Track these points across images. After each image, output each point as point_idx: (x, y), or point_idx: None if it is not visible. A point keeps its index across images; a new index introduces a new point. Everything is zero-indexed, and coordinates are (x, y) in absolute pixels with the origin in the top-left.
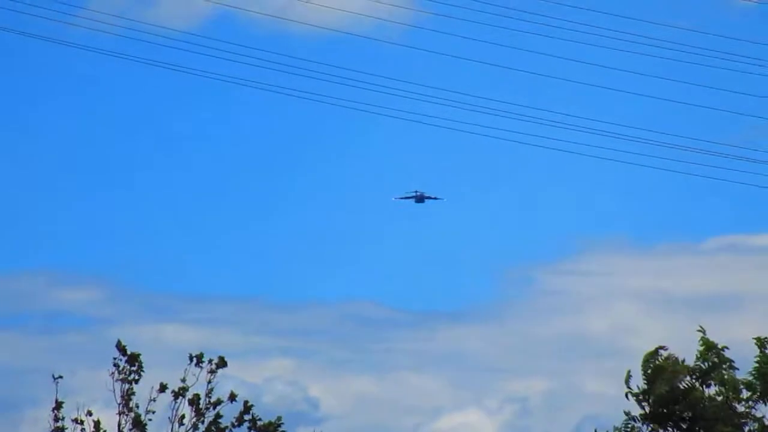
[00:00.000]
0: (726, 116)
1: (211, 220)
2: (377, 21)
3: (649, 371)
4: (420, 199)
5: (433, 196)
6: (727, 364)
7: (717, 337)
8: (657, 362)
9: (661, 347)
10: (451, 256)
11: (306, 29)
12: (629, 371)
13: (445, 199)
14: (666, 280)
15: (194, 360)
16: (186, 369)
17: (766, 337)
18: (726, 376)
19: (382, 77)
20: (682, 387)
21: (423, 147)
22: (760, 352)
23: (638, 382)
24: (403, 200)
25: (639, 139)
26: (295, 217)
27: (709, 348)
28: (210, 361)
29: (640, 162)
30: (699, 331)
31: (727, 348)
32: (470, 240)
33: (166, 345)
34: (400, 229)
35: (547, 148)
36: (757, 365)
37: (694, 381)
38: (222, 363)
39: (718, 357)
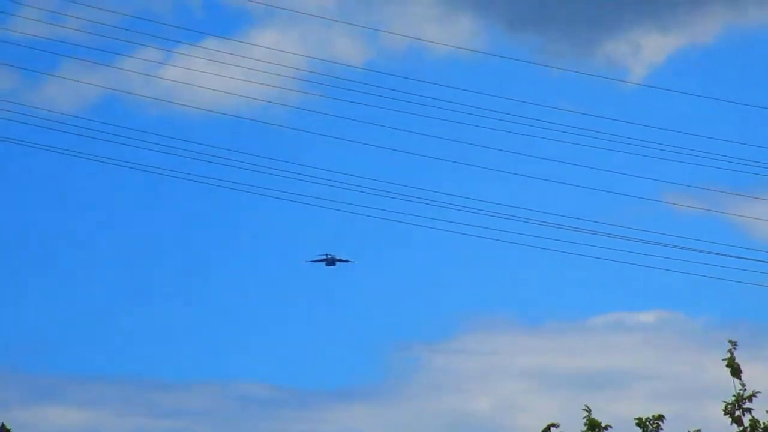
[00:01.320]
0: (607, 196)
1: (94, 299)
2: (265, 103)
3: None
4: (331, 262)
5: (344, 259)
6: None
7: (602, 415)
8: None
9: (553, 424)
10: (335, 334)
11: (194, 112)
12: None
13: (356, 262)
14: (552, 359)
15: None
16: None
17: (647, 418)
18: None
19: (268, 158)
20: None
21: (311, 228)
22: None
23: None
24: (314, 263)
25: (525, 219)
26: (180, 295)
27: (594, 427)
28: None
29: (525, 242)
30: (585, 410)
31: (610, 426)
32: (354, 318)
33: (50, 428)
34: (285, 308)
35: (432, 228)
36: None
37: None
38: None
39: None
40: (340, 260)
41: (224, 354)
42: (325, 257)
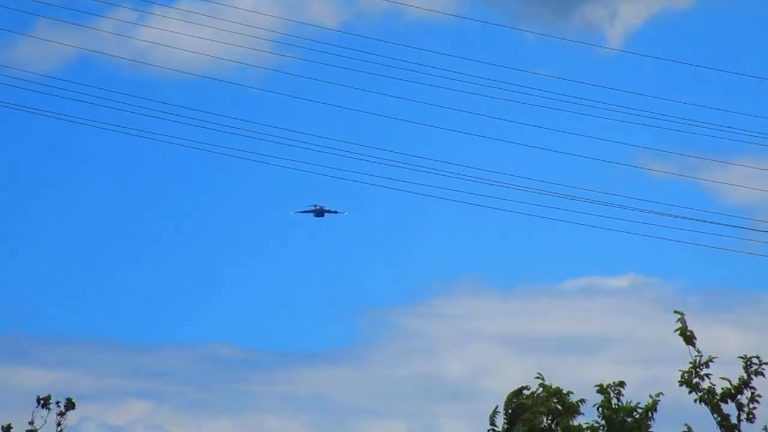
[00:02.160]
0: (580, 161)
1: (64, 260)
2: (238, 65)
3: (510, 411)
4: (320, 213)
5: (333, 210)
6: (571, 408)
7: (572, 380)
8: (520, 401)
9: (525, 387)
10: (308, 297)
11: (168, 73)
12: (496, 407)
13: (345, 213)
14: (524, 323)
15: (41, 402)
16: (33, 412)
17: (608, 384)
18: (569, 423)
19: (243, 120)
20: (541, 428)
21: (283, 190)
22: (604, 398)
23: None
24: (302, 214)
25: (496, 183)
26: (152, 258)
27: (554, 393)
28: (58, 403)
29: (498, 205)
30: (537, 377)
31: (572, 393)
32: (327, 281)
33: (17, 389)
34: (256, 270)
35: (405, 191)
36: (600, 412)
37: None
38: (70, 405)
39: (562, 403)
40: (328, 211)
41: (195, 316)
42: (313, 208)
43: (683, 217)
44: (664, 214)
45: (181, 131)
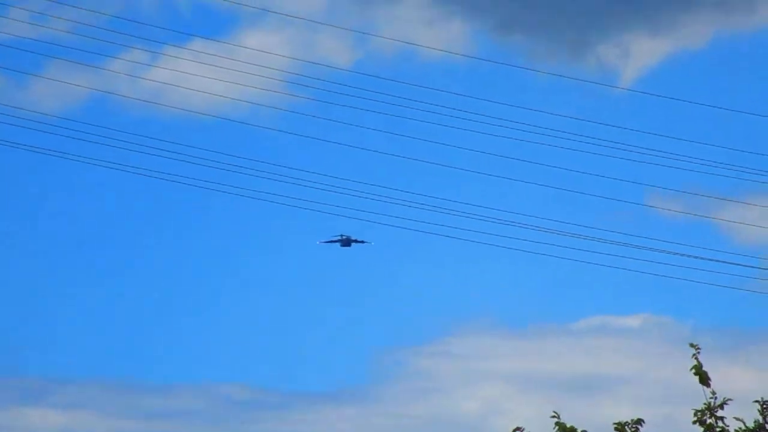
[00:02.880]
0: (593, 200)
1: (74, 298)
2: (252, 105)
3: None
4: (346, 242)
5: (360, 240)
6: None
7: (586, 420)
8: None
9: (518, 428)
10: (318, 336)
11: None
12: None
13: (372, 243)
14: (536, 362)
15: None
16: None
17: (626, 422)
18: None
19: (256, 160)
20: None
21: (297, 230)
22: None
23: None
24: (329, 243)
25: (511, 222)
26: (162, 298)
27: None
28: None
29: (512, 245)
30: (553, 416)
31: (585, 431)
32: (338, 320)
33: (31, 430)
34: (267, 309)
35: (418, 231)
36: None
37: None
38: None
39: None
40: (355, 241)
41: (207, 355)
42: (340, 237)
43: (696, 257)
44: (677, 253)
45: (194, 171)
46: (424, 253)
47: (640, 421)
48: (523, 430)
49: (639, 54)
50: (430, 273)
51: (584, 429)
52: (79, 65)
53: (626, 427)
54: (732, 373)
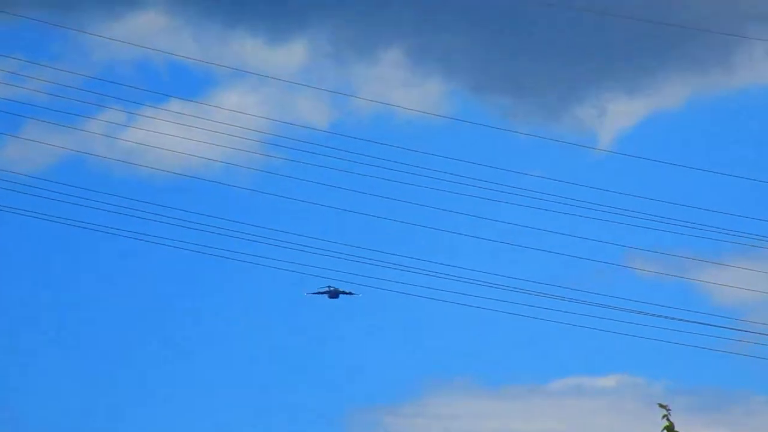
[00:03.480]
0: (570, 261)
1: (35, 364)
2: (229, 165)
3: None
4: (334, 294)
5: (347, 292)
6: None
7: None
8: None
9: None
10: (291, 397)
11: (157, 173)
12: None
13: (360, 295)
14: (514, 422)
15: None
16: None
17: None
18: None
19: (231, 221)
20: None
21: (271, 290)
22: None
23: None
24: (316, 295)
25: (487, 284)
26: (131, 356)
27: None
28: None
29: (489, 306)
30: None
31: None
32: (311, 380)
33: None
34: (237, 369)
35: (392, 291)
36: None
37: None
38: None
39: None
40: (343, 292)
41: (177, 417)
42: (327, 289)
43: (672, 318)
44: (652, 314)
45: (170, 232)
46: (401, 312)
47: None
48: None
49: (616, 114)
50: (406, 333)
51: None
52: (56, 125)
53: None
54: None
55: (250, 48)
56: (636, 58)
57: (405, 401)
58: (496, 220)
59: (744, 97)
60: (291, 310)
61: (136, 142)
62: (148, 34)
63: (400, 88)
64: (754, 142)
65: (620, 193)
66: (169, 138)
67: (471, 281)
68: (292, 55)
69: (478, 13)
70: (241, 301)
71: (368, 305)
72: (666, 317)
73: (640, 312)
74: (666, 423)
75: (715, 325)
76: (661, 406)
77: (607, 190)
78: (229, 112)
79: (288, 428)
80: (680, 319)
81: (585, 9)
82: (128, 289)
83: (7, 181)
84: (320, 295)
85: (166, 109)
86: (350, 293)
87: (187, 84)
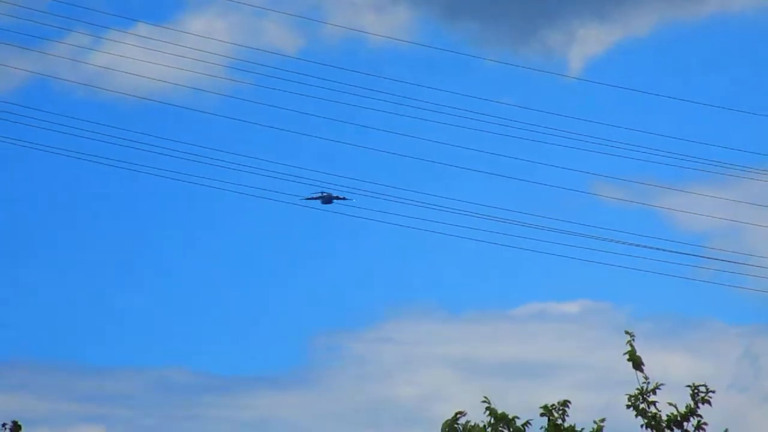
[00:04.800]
0: (534, 187)
1: (6, 278)
2: (195, 90)
3: None
4: (327, 200)
5: (341, 197)
6: None
7: (526, 402)
8: (455, 427)
9: (460, 412)
10: (258, 321)
11: (122, 97)
12: None
13: (353, 200)
14: (475, 348)
15: None
16: None
17: (553, 405)
18: None
19: (196, 145)
20: None
21: (236, 218)
22: (548, 420)
23: None
24: (309, 200)
25: (450, 209)
26: (101, 280)
27: (499, 418)
28: (4, 426)
29: (452, 232)
30: (483, 401)
31: (518, 417)
32: (275, 304)
33: None
34: (201, 292)
35: (354, 216)
36: None
37: None
38: (17, 428)
39: (508, 427)
40: (336, 198)
41: (146, 339)
42: (320, 195)
43: (636, 245)
44: (617, 241)
45: (135, 156)
46: (363, 238)
47: (566, 403)
48: (465, 413)
49: (586, 41)
50: (369, 258)
51: (515, 414)
52: (21, 49)
53: (553, 410)
54: (668, 359)
55: None
56: None
57: (367, 326)
58: (464, 147)
59: (713, 25)
60: (254, 233)
61: (102, 66)
62: None
63: (370, 13)
64: (723, 70)
65: (586, 120)
66: (135, 62)
67: (437, 207)
68: None
69: None
70: (203, 226)
71: (331, 229)
72: (630, 244)
73: (603, 238)
74: (629, 349)
75: (678, 252)
76: (627, 332)
77: (573, 117)
78: (197, 37)
79: (251, 350)
80: (644, 246)
81: None
82: (94, 213)
83: None
84: (313, 201)
85: (132, 33)
86: (344, 198)
87: (154, 8)
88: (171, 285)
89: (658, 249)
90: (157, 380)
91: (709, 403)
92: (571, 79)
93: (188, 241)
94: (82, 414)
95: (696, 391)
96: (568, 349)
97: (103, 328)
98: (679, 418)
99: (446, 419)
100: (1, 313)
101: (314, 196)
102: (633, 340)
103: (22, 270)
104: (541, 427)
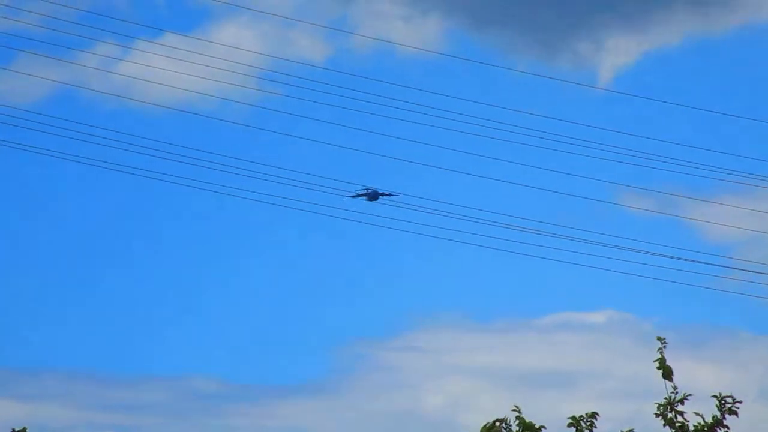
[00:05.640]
0: (562, 198)
1: (41, 291)
2: (224, 101)
3: None
4: (373, 196)
5: (387, 193)
6: None
7: (552, 413)
8: None
9: (500, 420)
10: (286, 330)
11: (151, 108)
12: None
13: (400, 195)
14: (500, 357)
15: None
16: None
17: (581, 416)
18: None
19: (225, 156)
20: None
21: (266, 228)
22: (576, 430)
23: None
24: (356, 198)
25: (479, 220)
26: (131, 290)
27: (527, 428)
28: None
29: (481, 242)
30: (514, 410)
31: (544, 427)
32: (301, 314)
33: None
34: (235, 302)
35: (385, 227)
36: None
37: None
38: None
39: None
40: (383, 194)
41: (173, 348)
42: (366, 191)
43: (662, 255)
44: (642, 251)
45: (163, 166)
46: (391, 247)
47: (594, 415)
48: (507, 420)
49: (615, 52)
50: (396, 267)
51: (542, 425)
52: (49, 58)
53: (581, 421)
54: (694, 369)
55: None
56: None
57: (393, 335)
58: (492, 158)
59: (743, 35)
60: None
61: (131, 76)
62: None
63: (399, 24)
64: (752, 80)
65: (612, 130)
66: (164, 72)
67: (464, 218)
68: None
69: None
70: (233, 235)
71: (357, 239)
72: (657, 254)
73: (629, 248)
74: (659, 356)
75: (704, 263)
76: (659, 338)
77: (599, 127)
78: (225, 47)
79: (280, 361)
80: (671, 256)
81: None
82: (122, 221)
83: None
84: (360, 198)
85: (161, 44)
86: (390, 194)
87: (182, 18)
88: (201, 295)
89: (684, 259)
90: (186, 389)
91: (735, 413)
92: (601, 90)
93: (216, 252)
94: (111, 423)
95: (722, 401)
96: (593, 359)
97: (132, 339)
98: (706, 429)
99: (484, 425)
100: (32, 322)
101: (360, 192)
102: (664, 346)
103: (52, 280)
104: None
